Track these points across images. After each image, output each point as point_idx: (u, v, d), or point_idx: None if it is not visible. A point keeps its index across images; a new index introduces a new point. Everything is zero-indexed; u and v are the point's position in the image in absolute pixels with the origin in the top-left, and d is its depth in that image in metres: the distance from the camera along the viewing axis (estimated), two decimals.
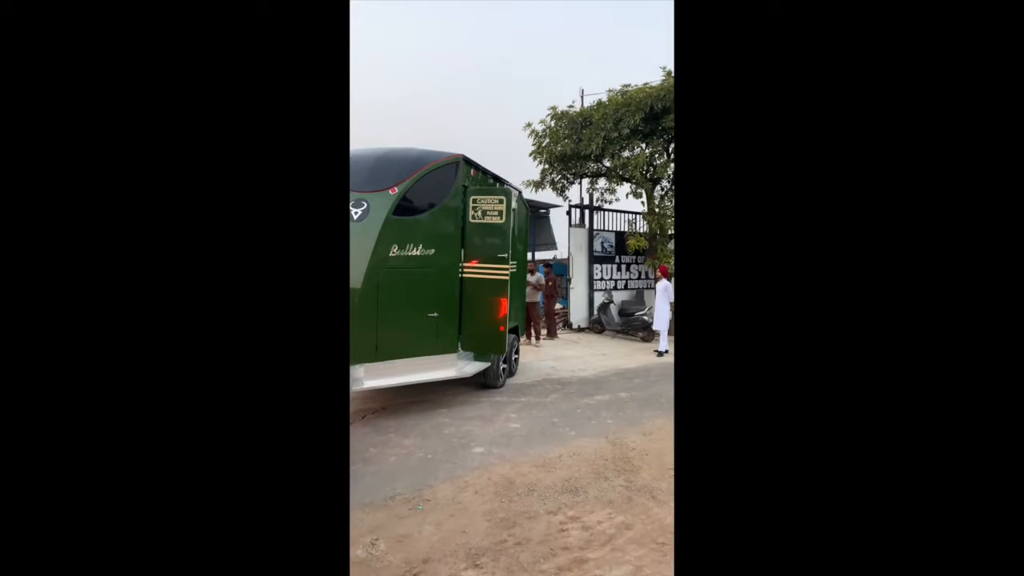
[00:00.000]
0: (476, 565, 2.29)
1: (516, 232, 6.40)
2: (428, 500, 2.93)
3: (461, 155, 4.69)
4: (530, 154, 10.59)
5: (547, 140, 10.37)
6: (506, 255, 4.68)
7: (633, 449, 3.74)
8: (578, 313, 10.19)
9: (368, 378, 4.18)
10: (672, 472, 3.32)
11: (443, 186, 4.59)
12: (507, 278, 4.70)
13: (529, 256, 16.63)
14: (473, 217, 4.77)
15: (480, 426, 4.21)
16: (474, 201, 4.76)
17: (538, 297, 8.37)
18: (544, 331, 9.05)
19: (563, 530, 2.60)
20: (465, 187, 4.77)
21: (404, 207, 4.34)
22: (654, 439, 3.96)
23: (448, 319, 4.67)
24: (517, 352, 6.26)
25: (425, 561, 2.32)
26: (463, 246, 4.78)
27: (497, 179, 5.50)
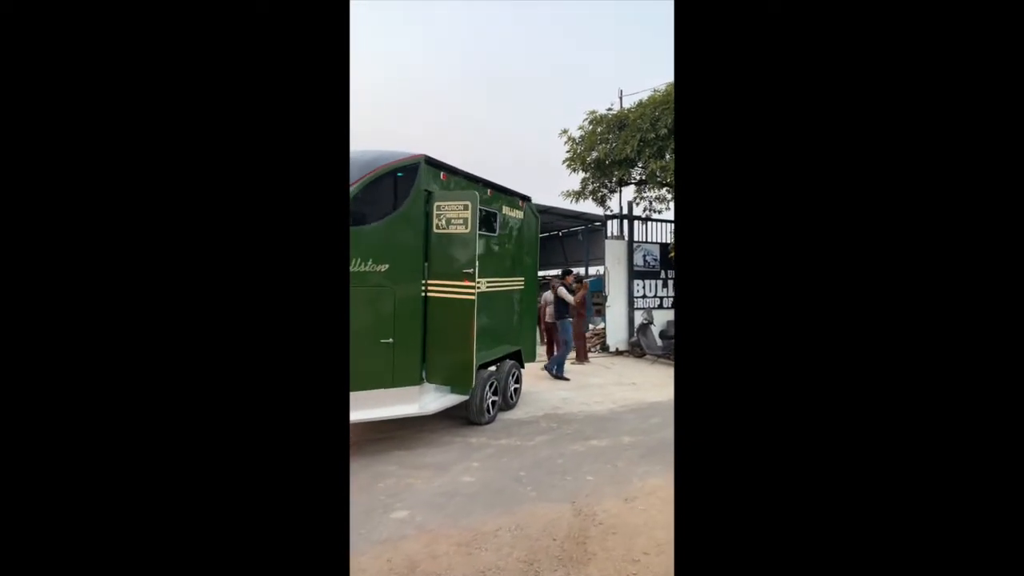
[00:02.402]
0: None
1: (525, 244, 5.69)
2: None
3: (422, 155, 4.05)
4: (563, 162, 9.84)
5: (581, 147, 9.58)
6: (472, 270, 3.97)
7: (600, 524, 2.86)
8: (616, 334, 9.19)
9: None
10: (630, 567, 2.42)
11: (399, 191, 3.97)
12: (473, 298, 3.97)
13: (581, 271, 15.85)
14: (437, 227, 4.10)
15: (427, 478, 3.49)
16: (438, 208, 4.10)
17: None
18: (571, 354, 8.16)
19: None
20: (429, 192, 4.13)
21: (351, 216, 3.77)
22: (635, 508, 3.05)
23: (408, 346, 4.01)
24: (518, 382, 5.48)
25: None
26: (427, 260, 4.13)
27: (481, 183, 4.81)
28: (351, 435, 4.39)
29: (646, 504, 3.11)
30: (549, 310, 7.45)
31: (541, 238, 18.49)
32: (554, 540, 2.68)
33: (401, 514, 2.97)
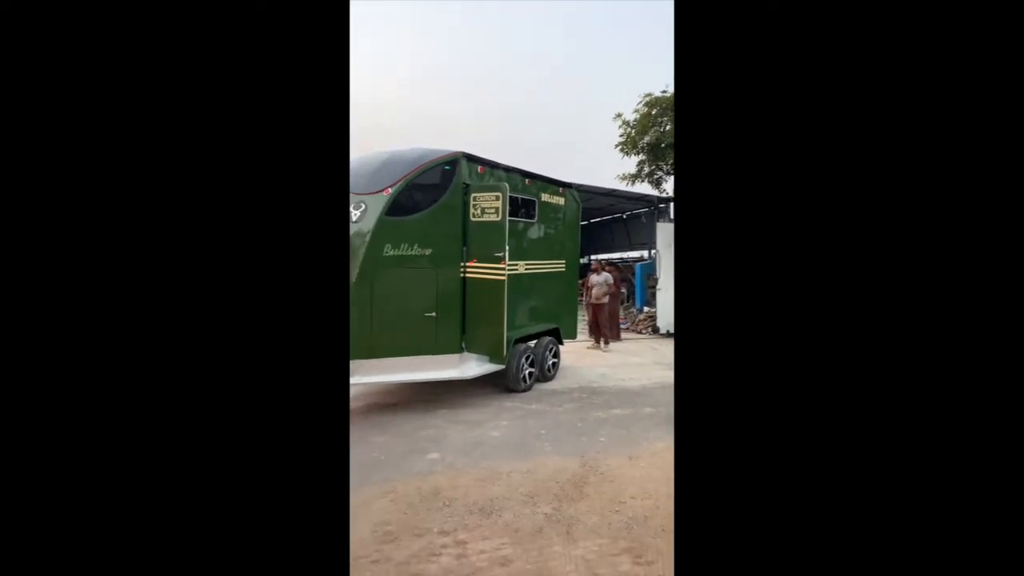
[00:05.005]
0: None
1: (566, 229, 6.10)
2: None
3: (461, 152, 4.58)
4: (616, 146, 10.01)
5: (635, 130, 9.69)
6: (502, 254, 4.46)
7: (601, 474, 3.30)
8: (666, 317, 9.33)
9: (362, 374, 4.31)
10: (615, 506, 2.86)
11: (441, 185, 4.53)
12: (504, 278, 4.47)
13: (643, 254, 15.82)
14: (473, 215, 4.63)
15: (461, 431, 4.08)
16: (474, 199, 4.62)
17: (606, 299, 7.86)
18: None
19: (434, 555, 2.39)
20: (467, 185, 4.65)
21: (399, 207, 4.38)
22: (636, 464, 3.45)
23: (449, 319, 4.60)
24: (556, 356, 5.94)
25: None
26: (465, 245, 4.68)
27: (518, 173, 5.26)
28: (422, 392, 5.09)
29: (647, 463, 3.51)
30: (595, 292, 7.80)
31: (603, 220, 18.56)
32: (556, 483, 3.16)
33: (434, 456, 3.58)
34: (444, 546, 2.46)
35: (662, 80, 26.00)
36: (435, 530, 2.61)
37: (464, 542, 2.50)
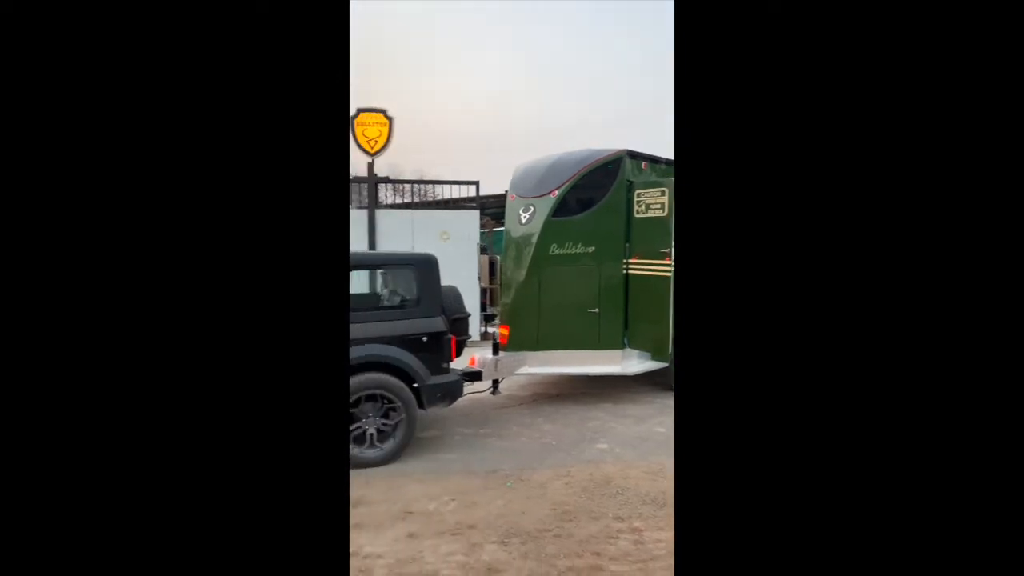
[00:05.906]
0: (503, 543, 2.50)
1: None
2: (522, 480, 3.21)
3: (624, 150, 4.63)
4: None
5: None
6: (667, 250, 4.42)
7: None
8: None
9: (529, 365, 4.63)
10: None
11: (604, 184, 4.64)
12: (668, 275, 4.43)
13: None
14: (638, 212, 4.66)
15: (627, 425, 4.16)
16: (638, 195, 4.64)
17: None
18: None
19: (613, 537, 2.54)
20: (630, 182, 4.69)
21: (565, 207, 4.61)
22: None
23: (612, 315, 4.71)
24: None
25: (471, 527, 2.65)
26: (628, 242, 4.73)
27: None
28: (584, 386, 5.33)
29: None
30: None
31: None
32: None
33: (603, 446, 3.73)
34: (620, 531, 2.59)
35: None
36: (610, 515, 2.75)
37: (639, 530, 2.60)
